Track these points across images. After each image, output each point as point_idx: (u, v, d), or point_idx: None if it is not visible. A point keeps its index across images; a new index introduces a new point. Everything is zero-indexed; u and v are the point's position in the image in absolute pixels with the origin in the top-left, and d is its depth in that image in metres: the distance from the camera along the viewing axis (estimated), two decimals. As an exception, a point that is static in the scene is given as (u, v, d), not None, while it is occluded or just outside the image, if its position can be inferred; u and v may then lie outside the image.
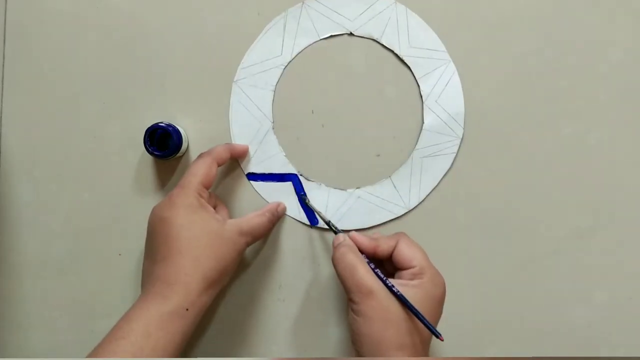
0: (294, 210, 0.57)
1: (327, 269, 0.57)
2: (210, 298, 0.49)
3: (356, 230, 0.56)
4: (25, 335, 0.58)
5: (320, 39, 0.56)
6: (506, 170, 0.56)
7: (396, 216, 0.56)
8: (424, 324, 0.46)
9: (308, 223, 0.57)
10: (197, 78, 0.57)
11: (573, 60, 0.56)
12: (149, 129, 0.54)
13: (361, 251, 0.50)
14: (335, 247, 0.50)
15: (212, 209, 0.51)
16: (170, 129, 0.54)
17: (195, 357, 0.57)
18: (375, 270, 0.48)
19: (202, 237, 0.49)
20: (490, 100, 0.56)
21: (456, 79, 0.56)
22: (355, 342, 0.47)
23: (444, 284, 0.48)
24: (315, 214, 0.56)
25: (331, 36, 0.56)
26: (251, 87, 0.56)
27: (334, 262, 0.49)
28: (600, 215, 0.56)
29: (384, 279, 0.47)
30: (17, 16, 0.58)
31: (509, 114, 0.56)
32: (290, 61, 0.56)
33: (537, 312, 0.57)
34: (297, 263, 0.57)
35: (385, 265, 0.51)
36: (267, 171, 0.57)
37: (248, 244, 0.52)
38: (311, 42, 0.56)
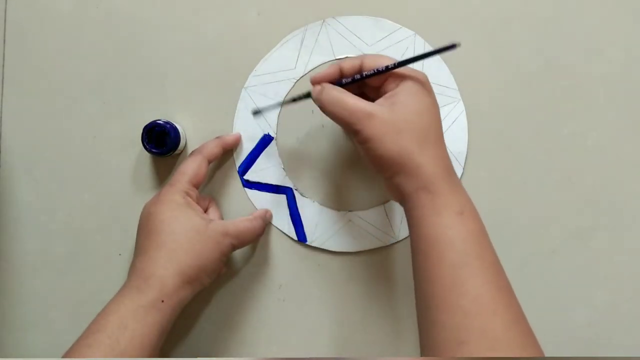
0: (284, 224, 0.57)
1: (327, 269, 0.57)
2: (187, 294, 0.49)
3: (343, 252, 0.56)
4: (25, 335, 0.58)
5: (336, 59, 0.56)
6: (506, 171, 0.56)
7: (384, 245, 0.56)
8: (434, 52, 0.45)
9: (296, 239, 0.57)
10: (197, 78, 0.57)
11: (573, 60, 0.56)
12: (146, 126, 0.54)
13: (330, 81, 0.48)
14: (317, 98, 0.47)
15: (198, 207, 0.52)
16: (168, 126, 0.54)
17: (195, 357, 0.57)
18: (356, 80, 0.47)
19: (181, 233, 0.49)
20: (490, 107, 0.56)
21: (463, 118, 0.56)
22: (382, 169, 0.46)
23: (422, 73, 0.47)
24: (289, 104, 0.54)
25: (347, 57, 0.56)
26: (260, 96, 0.57)
27: (323, 110, 0.47)
28: (600, 215, 0.56)
29: (372, 72, 0.46)
30: (17, 16, 0.58)
31: (509, 117, 0.56)
32: (302, 76, 0.57)
33: (537, 312, 0.57)
34: (297, 263, 0.57)
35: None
36: (263, 181, 0.57)
37: (234, 247, 0.52)
38: (326, 61, 0.57)
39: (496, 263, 0.44)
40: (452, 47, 0.44)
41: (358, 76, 0.47)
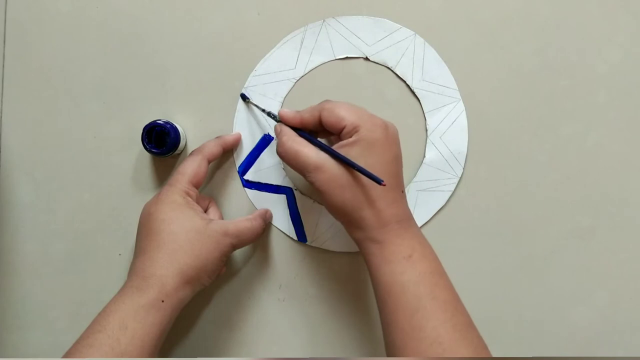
0: (284, 224, 0.57)
1: (327, 269, 0.57)
2: (187, 294, 0.49)
3: (343, 252, 0.57)
4: (25, 335, 0.58)
5: (336, 59, 0.57)
6: (506, 171, 0.56)
7: None
8: (362, 173, 0.46)
9: (296, 239, 0.57)
10: (197, 78, 0.57)
11: (573, 60, 0.56)
12: (146, 126, 0.54)
13: (290, 126, 0.50)
14: (277, 150, 0.49)
15: (198, 207, 0.52)
16: (168, 126, 0.54)
17: (195, 357, 0.57)
18: (316, 142, 0.48)
19: (181, 233, 0.49)
20: (490, 107, 0.56)
21: (463, 118, 0.56)
22: (335, 217, 0.49)
23: (382, 124, 0.47)
24: (255, 108, 0.56)
25: (347, 57, 0.56)
26: (260, 96, 0.57)
27: (280, 155, 0.49)
28: (600, 215, 0.56)
29: (324, 147, 0.47)
30: (17, 16, 0.58)
31: (509, 117, 0.56)
32: (302, 76, 0.57)
33: (537, 312, 0.57)
34: (297, 263, 0.57)
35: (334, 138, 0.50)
36: (263, 181, 0.57)
37: (234, 247, 0.52)
38: (326, 61, 0.57)
39: (451, 300, 0.46)
40: (378, 181, 0.45)
41: (318, 142, 0.49)
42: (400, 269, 0.46)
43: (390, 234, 0.47)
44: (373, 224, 0.47)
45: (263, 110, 0.54)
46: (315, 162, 0.47)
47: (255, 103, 0.56)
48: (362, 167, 0.46)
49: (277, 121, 0.51)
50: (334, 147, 0.47)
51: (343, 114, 0.47)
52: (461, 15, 0.56)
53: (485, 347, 0.46)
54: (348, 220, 0.48)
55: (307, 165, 0.47)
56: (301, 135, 0.49)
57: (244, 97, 0.56)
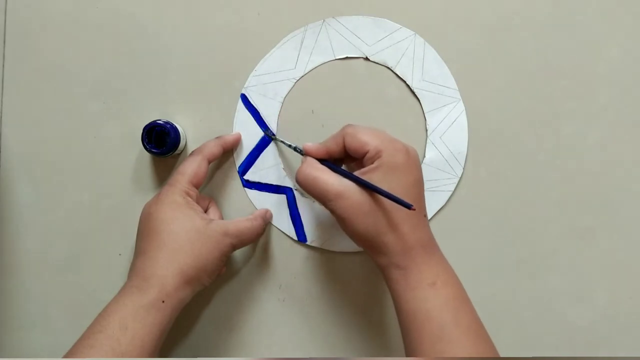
0: (284, 224, 0.57)
1: (327, 269, 0.57)
2: (188, 294, 0.49)
3: (343, 252, 0.57)
4: (25, 335, 0.58)
5: (336, 59, 0.57)
6: (506, 171, 0.56)
7: None
8: (390, 198, 0.45)
9: (296, 239, 0.57)
10: (197, 78, 0.57)
11: (573, 60, 0.56)
12: (146, 126, 0.54)
13: (318, 158, 0.49)
14: (296, 178, 0.49)
15: (198, 207, 0.52)
16: (168, 126, 0.54)
17: (195, 357, 0.57)
18: (338, 170, 0.48)
19: (181, 233, 0.49)
20: (490, 107, 0.56)
21: (463, 118, 0.56)
22: (357, 244, 0.48)
23: (404, 148, 0.47)
24: (282, 145, 0.56)
25: (347, 57, 0.56)
26: (260, 96, 0.57)
27: (298, 182, 0.49)
28: (600, 215, 0.56)
29: (347, 174, 0.47)
30: (17, 16, 0.58)
31: (509, 117, 0.56)
32: (302, 76, 0.57)
33: (537, 312, 0.57)
34: (297, 263, 0.57)
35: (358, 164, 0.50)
36: (263, 181, 0.57)
37: (234, 247, 0.51)
38: (326, 61, 0.57)
39: (473, 325, 0.46)
40: (407, 205, 0.45)
41: (340, 169, 0.49)
42: (424, 296, 0.46)
43: (415, 260, 0.46)
44: (397, 249, 0.46)
45: (289, 146, 0.54)
46: (337, 189, 0.46)
47: (282, 139, 0.55)
48: (389, 193, 0.45)
49: (303, 155, 0.51)
50: (356, 174, 0.47)
51: (366, 138, 0.47)
52: (461, 15, 0.56)
53: None
54: (371, 246, 0.47)
55: (327, 193, 0.47)
56: (324, 164, 0.49)
57: (270, 134, 0.56)
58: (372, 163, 0.47)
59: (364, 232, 0.46)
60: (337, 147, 0.49)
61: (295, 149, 0.53)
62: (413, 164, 0.48)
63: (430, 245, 0.48)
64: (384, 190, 0.45)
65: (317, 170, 0.48)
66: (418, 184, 0.48)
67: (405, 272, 0.46)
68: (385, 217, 0.46)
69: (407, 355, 0.47)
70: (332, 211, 0.47)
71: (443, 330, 0.45)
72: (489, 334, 0.47)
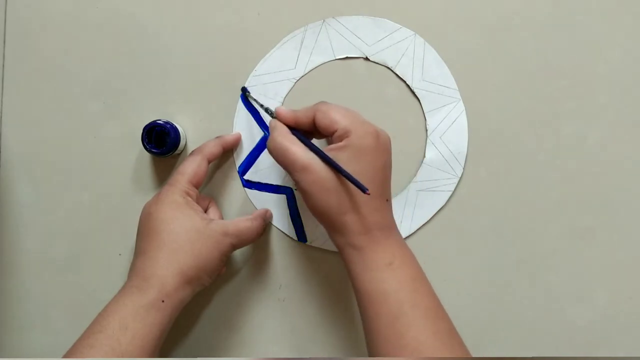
0: (284, 224, 0.57)
1: (327, 269, 0.57)
2: (188, 294, 0.49)
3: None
4: (25, 335, 0.58)
5: (336, 59, 0.57)
6: (506, 171, 0.56)
7: None
8: (348, 179, 0.45)
9: (296, 239, 0.57)
10: (197, 78, 0.57)
11: (573, 60, 0.56)
12: (146, 126, 0.54)
13: (286, 124, 0.49)
14: (267, 145, 0.49)
15: (198, 207, 0.52)
16: (168, 126, 0.54)
17: (195, 357, 0.57)
18: (307, 142, 0.48)
19: (181, 233, 0.49)
20: (490, 107, 0.56)
21: (463, 118, 0.56)
22: (317, 220, 0.48)
23: (374, 131, 0.47)
24: (254, 103, 0.56)
25: (347, 57, 0.57)
26: (260, 96, 0.57)
27: (269, 150, 0.49)
28: (600, 215, 0.56)
29: (314, 148, 0.47)
30: (17, 16, 0.58)
31: (509, 117, 0.56)
32: (302, 76, 0.57)
33: (537, 312, 0.57)
34: (297, 263, 0.57)
35: (328, 140, 0.50)
36: (263, 181, 0.57)
37: (234, 246, 0.51)
38: (326, 61, 0.57)
39: (432, 306, 0.46)
40: (363, 189, 0.45)
41: (309, 142, 0.48)
42: (381, 277, 0.46)
43: (371, 241, 0.46)
44: (355, 230, 0.46)
45: (261, 106, 0.54)
46: (303, 162, 0.46)
47: (255, 97, 0.55)
48: (348, 173, 0.45)
49: (273, 117, 0.51)
50: (324, 150, 0.47)
51: (336, 117, 0.47)
52: (461, 15, 0.56)
53: (467, 353, 0.46)
54: (330, 224, 0.47)
55: (294, 164, 0.46)
56: (294, 134, 0.49)
57: (244, 91, 0.56)
58: (340, 142, 0.46)
59: (324, 209, 0.46)
60: (306, 119, 0.48)
61: (267, 110, 0.53)
62: (382, 148, 0.47)
63: (389, 228, 0.48)
64: (343, 170, 0.45)
65: (288, 141, 0.47)
66: (385, 169, 0.48)
67: (361, 252, 0.46)
68: (347, 196, 0.46)
69: (366, 336, 0.47)
70: (297, 183, 0.47)
71: (400, 310, 0.45)
72: (448, 315, 0.46)
